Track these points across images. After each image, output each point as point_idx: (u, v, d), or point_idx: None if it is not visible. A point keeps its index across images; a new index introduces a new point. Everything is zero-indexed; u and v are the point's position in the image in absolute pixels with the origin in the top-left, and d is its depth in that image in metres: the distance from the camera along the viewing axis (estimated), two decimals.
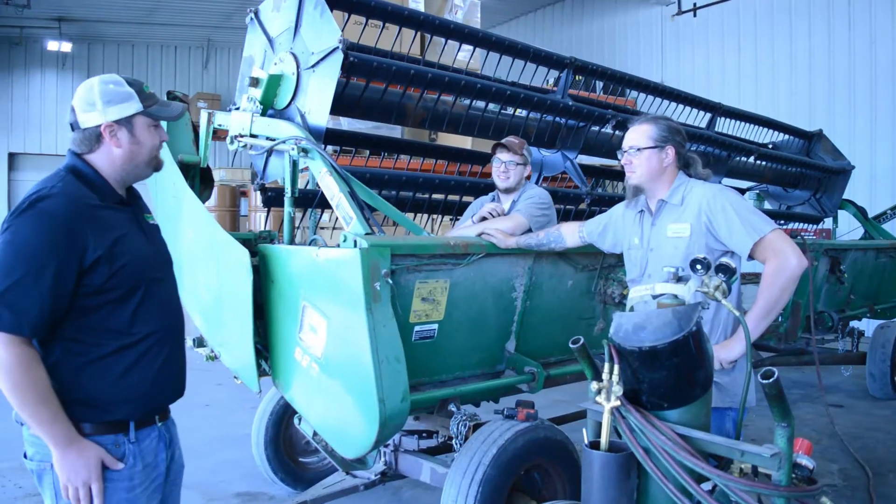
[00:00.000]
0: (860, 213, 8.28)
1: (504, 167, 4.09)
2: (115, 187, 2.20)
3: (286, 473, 4.57)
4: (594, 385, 2.15)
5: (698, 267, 2.22)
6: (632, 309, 2.46)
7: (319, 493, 3.85)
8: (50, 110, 16.82)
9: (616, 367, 2.11)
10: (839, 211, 8.19)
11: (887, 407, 7.06)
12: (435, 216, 5.22)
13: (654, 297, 2.28)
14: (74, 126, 2.16)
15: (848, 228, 8.76)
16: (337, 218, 4.72)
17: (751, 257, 2.82)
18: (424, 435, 3.91)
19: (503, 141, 4.13)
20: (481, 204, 4.34)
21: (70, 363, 2.05)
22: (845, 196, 8.15)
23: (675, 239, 2.94)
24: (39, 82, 16.90)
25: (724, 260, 2.23)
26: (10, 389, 1.96)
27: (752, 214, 2.87)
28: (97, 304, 2.06)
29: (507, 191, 4.16)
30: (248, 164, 14.24)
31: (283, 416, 4.57)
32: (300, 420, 3.81)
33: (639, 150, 3.01)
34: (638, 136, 3.03)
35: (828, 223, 8.28)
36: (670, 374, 2.07)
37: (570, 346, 2.23)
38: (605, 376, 2.13)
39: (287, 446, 4.63)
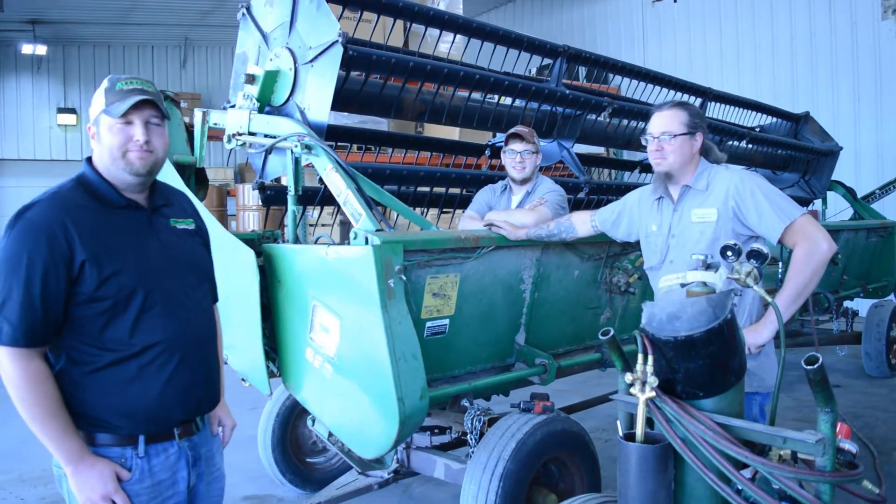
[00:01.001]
0: (849, 193, 8.35)
1: (519, 157, 4.05)
2: (120, 190, 2.11)
3: (294, 474, 4.52)
4: (627, 377, 2.12)
5: (729, 253, 2.19)
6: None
7: (334, 494, 3.81)
8: (27, 115, 16.53)
9: (650, 358, 2.08)
10: (828, 192, 8.23)
11: (884, 385, 7.12)
12: (434, 210, 5.17)
13: (683, 285, 2.25)
14: None
15: (836, 209, 8.81)
16: (336, 214, 4.70)
17: (779, 242, 2.80)
18: (437, 431, 3.88)
19: (515, 131, 4.09)
20: (491, 191, 4.30)
21: (71, 374, 2.00)
22: (833, 177, 8.21)
23: (700, 224, 2.92)
24: (15, 87, 16.61)
25: (756, 245, 2.21)
26: (20, 404, 1.94)
27: (781, 199, 2.85)
28: (92, 314, 2.00)
29: (523, 181, 4.12)
30: (234, 164, 14.15)
31: (290, 417, 4.52)
32: (314, 421, 3.75)
33: (673, 136, 2.96)
34: (670, 121, 2.97)
35: (817, 204, 8.32)
36: (706, 362, 2.05)
37: (600, 337, 2.19)
38: (638, 367, 2.10)
39: (294, 447, 4.58)
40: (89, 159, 2.14)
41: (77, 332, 2.00)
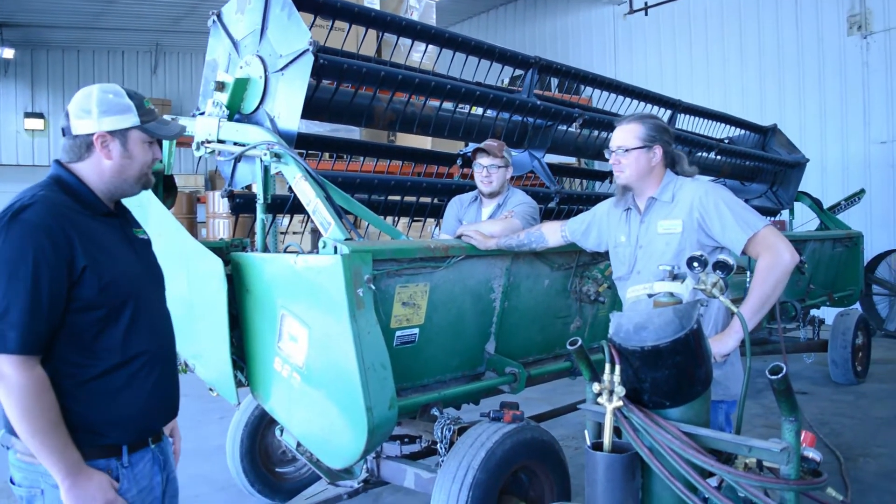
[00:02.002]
0: (816, 204, 8.47)
1: (486, 171, 4.08)
2: (101, 199, 2.11)
3: (263, 485, 4.47)
4: (595, 387, 2.13)
5: (695, 264, 2.21)
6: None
7: None
8: None
9: (617, 368, 2.09)
10: (795, 203, 8.36)
11: (850, 392, 7.22)
12: (405, 219, 5.17)
13: (651, 295, 2.27)
14: (66, 132, 2.08)
15: (803, 220, 8.95)
16: (307, 222, 4.67)
17: (743, 253, 2.84)
18: (407, 440, 3.86)
19: (482, 145, 4.12)
20: (459, 203, 4.31)
21: (61, 385, 1.94)
22: (800, 188, 8.33)
23: (665, 235, 2.95)
24: None
25: (722, 256, 2.23)
26: (22, 416, 1.85)
27: (744, 211, 2.89)
28: (88, 322, 1.97)
29: (491, 195, 4.14)
30: (204, 171, 14.02)
31: (259, 427, 4.46)
32: (282, 431, 3.71)
33: (627, 150, 3.01)
34: (626, 136, 3.03)
35: (784, 215, 8.44)
36: (672, 372, 2.07)
37: (568, 347, 2.20)
38: (605, 377, 2.11)
39: (263, 457, 4.52)
40: (61, 164, 2.09)
41: (70, 339, 1.96)
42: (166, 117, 2.24)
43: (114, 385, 2.02)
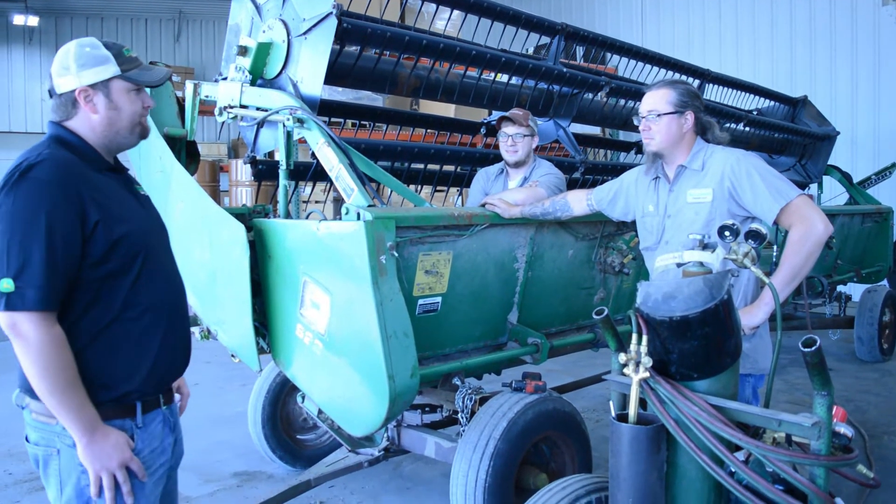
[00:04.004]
0: (845, 178, 8.31)
1: (511, 140, 4.01)
2: (102, 154, 2.10)
3: (284, 451, 4.51)
4: (621, 357, 2.09)
5: (727, 234, 2.16)
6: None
7: (323, 471, 3.78)
8: (18, 87, 16.26)
9: (644, 338, 2.04)
10: (824, 177, 8.21)
11: (875, 370, 7.13)
12: (428, 187, 5.12)
13: (680, 265, 2.22)
14: (52, 92, 2.06)
15: (832, 194, 8.79)
16: (329, 190, 4.64)
17: (775, 223, 2.77)
18: (427, 409, 3.85)
19: (508, 114, 4.05)
20: (486, 176, 4.26)
21: (74, 341, 1.94)
22: (829, 162, 8.17)
23: (695, 204, 2.88)
24: (6, 58, 16.34)
25: (755, 226, 2.17)
26: (41, 373, 1.85)
27: (777, 180, 2.81)
28: (100, 276, 1.96)
29: (517, 164, 4.08)
30: (227, 139, 14.03)
31: (280, 394, 4.49)
32: (304, 398, 3.72)
33: (659, 115, 2.94)
34: (657, 101, 2.95)
35: (813, 189, 8.29)
36: (701, 343, 2.02)
37: (595, 316, 2.16)
38: (632, 347, 2.06)
39: (284, 424, 4.56)
40: (57, 123, 2.07)
41: (83, 294, 1.95)
42: (151, 65, 2.19)
43: (127, 338, 2.02)
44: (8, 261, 1.84)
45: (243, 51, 3.64)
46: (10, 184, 1.89)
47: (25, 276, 1.84)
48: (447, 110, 7.26)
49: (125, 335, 2.03)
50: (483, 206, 3.60)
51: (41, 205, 1.86)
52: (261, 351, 3.42)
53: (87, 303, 1.96)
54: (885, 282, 8.22)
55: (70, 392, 1.88)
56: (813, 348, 1.76)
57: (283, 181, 3.49)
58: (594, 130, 8.37)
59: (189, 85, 3.92)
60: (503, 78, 4.74)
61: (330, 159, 3.19)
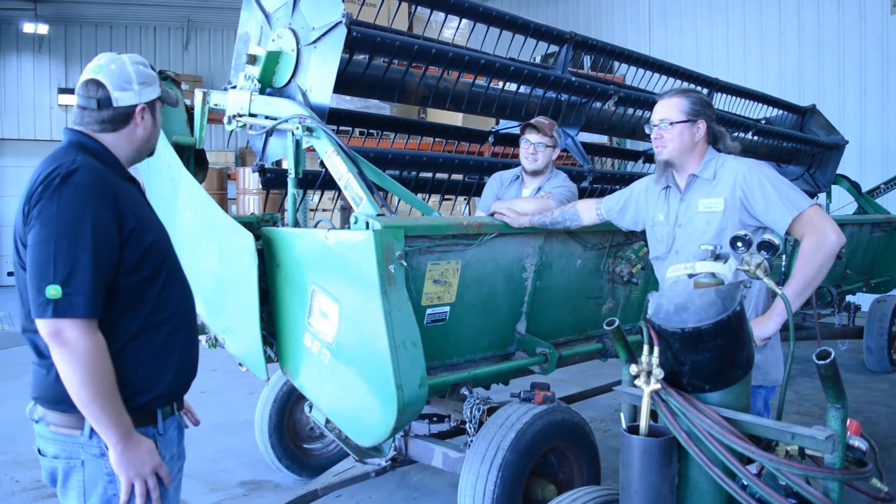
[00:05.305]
0: (854, 188, 8.28)
1: (533, 149, 4.01)
2: (123, 164, 2.14)
3: (291, 460, 4.49)
4: (632, 368, 2.07)
5: (739, 244, 2.14)
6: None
7: (330, 481, 3.77)
8: (27, 95, 16.35)
9: (656, 350, 2.03)
10: (833, 186, 8.17)
11: (885, 381, 7.08)
12: (436, 196, 5.12)
13: (692, 275, 2.20)
14: (103, 103, 2.05)
15: (840, 204, 8.75)
16: (337, 199, 4.65)
17: (787, 233, 2.75)
18: (435, 419, 3.84)
19: (532, 122, 4.04)
20: (500, 181, 4.25)
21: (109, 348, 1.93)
22: (838, 171, 8.14)
23: (706, 214, 2.87)
24: (16, 66, 16.44)
25: (768, 236, 2.16)
26: (86, 380, 1.84)
27: (789, 190, 2.80)
28: (132, 284, 1.98)
29: (535, 173, 4.07)
30: (234, 147, 14.07)
31: (287, 403, 4.48)
32: (311, 408, 3.71)
33: (671, 124, 2.92)
34: (669, 109, 2.94)
35: (821, 198, 8.25)
36: (713, 355, 2.00)
37: (605, 327, 2.15)
38: (643, 359, 2.05)
39: (291, 433, 4.54)
40: (77, 131, 2.07)
41: (115, 302, 1.95)
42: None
43: (152, 345, 2.04)
44: (55, 267, 1.83)
45: (252, 59, 3.65)
46: (53, 188, 1.88)
47: (74, 282, 1.83)
48: (455, 119, 7.27)
49: (151, 342, 2.04)
50: (492, 214, 3.59)
51: (86, 210, 1.87)
52: (268, 360, 3.41)
53: (119, 310, 1.97)
54: (894, 292, 8.16)
55: (111, 399, 1.89)
56: (827, 360, 1.74)
57: (291, 189, 3.48)
58: (601, 139, 8.36)
59: (198, 93, 3.93)
60: (511, 87, 4.74)
61: (339, 168, 3.18)
